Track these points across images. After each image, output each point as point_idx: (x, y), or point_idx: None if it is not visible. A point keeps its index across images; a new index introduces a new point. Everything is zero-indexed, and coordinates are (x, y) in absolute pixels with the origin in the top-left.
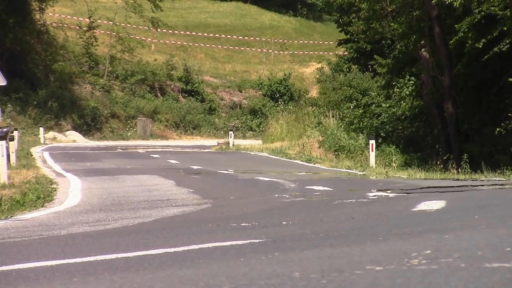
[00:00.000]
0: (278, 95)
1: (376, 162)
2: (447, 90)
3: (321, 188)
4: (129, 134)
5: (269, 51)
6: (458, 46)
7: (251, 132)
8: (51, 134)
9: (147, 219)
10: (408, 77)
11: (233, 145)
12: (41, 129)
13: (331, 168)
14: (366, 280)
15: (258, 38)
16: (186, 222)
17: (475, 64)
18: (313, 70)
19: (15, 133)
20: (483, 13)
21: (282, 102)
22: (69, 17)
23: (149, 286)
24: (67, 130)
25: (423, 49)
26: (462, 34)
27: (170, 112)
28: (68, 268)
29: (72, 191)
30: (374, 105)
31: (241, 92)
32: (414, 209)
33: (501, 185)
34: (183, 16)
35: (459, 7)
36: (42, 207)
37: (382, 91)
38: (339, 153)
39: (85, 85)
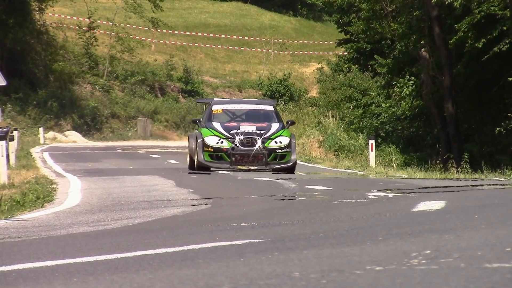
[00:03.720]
0: (278, 95)
1: (376, 162)
2: (447, 90)
3: (321, 188)
4: (129, 134)
5: (269, 51)
6: (458, 46)
7: None
8: (51, 134)
9: (147, 219)
10: (408, 77)
11: None
12: (41, 129)
13: (331, 168)
14: (366, 280)
15: (258, 38)
16: (186, 222)
17: (475, 64)
18: (313, 70)
19: (15, 133)
20: (483, 13)
21: (282, 102)
22: (69, 17)
23: (149, 286)
24: (67, 130)
25: (423, 49)
26: (462, 34)
27: (170, 113)
28: (68, 268)
29: (72, 191)
30: (374, 105)
31: (241, 92)
32: (414, 209)
33: (501, 185)
34: (183, 16)
35: (459, 7)
36: (42, 207)
37: (382, 91)
38: (339, 153)
39: (85, 85)
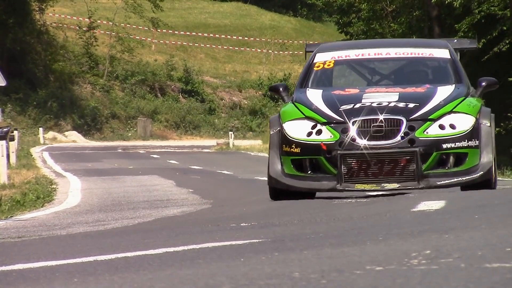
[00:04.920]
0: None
1: None
2: None
3: None
4: (130, 134)
5: (269, 51)
6: None
7: (251, 132)
8: (51, 134)
9: (147, 219)
10: None
11: (233, 145)
12: (41, 129)
13: None
14: (366, 280)
15: (258, 38)
16: (186, 222)
17: (475, 64)
18: None
19: (15, 133)
20: (483, 13)
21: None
22: (69, 17)
23: (149, 286)
24: (67, 131)
25: None
26: (462, 34)
27: (170, 113)
28: (68, 268)
29: (72, 191)
30: None
31: (241, 92)
32: (414, 209)
33: (501, 185)
34: (183, 16)
35: (459, 7)
36: (42, 207)
37: None
38: None
39: (85, 85)
